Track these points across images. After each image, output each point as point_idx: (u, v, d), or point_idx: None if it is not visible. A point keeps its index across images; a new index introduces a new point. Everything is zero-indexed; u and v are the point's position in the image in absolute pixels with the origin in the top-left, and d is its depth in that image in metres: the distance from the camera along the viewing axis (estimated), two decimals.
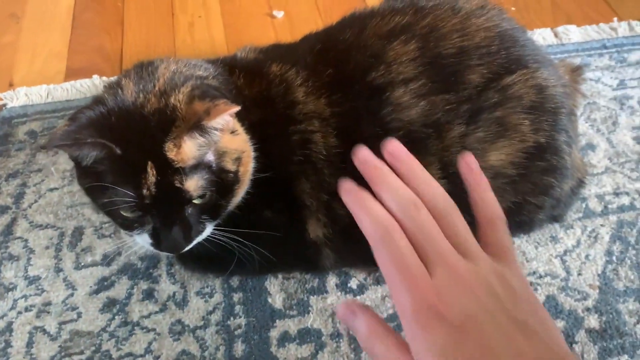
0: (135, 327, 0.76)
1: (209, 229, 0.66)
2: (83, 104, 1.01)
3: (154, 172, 0.57)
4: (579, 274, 0.80)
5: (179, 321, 0.77)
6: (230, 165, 0.62)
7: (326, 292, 0.79)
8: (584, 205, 0.88)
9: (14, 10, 1.26)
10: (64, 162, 0.95)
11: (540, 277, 0.80)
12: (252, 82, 0.70)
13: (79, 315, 0.77)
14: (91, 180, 0.60)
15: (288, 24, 1.23)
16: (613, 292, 0.78)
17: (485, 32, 0.69)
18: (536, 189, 0.71)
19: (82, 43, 1.20)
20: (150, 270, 0.82)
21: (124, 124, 0.59)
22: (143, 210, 0.60)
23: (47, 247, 0.84)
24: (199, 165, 0.59)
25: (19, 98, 1.07)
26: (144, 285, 0.80)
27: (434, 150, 0.67)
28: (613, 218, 0.86)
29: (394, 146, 0.50)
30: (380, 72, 0.68)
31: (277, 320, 0.76)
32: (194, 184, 0.59)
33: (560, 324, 0.75)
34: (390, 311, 0.77)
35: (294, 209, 0.71)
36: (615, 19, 1.19)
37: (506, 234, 0.49)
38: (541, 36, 1.15)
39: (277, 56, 0.72)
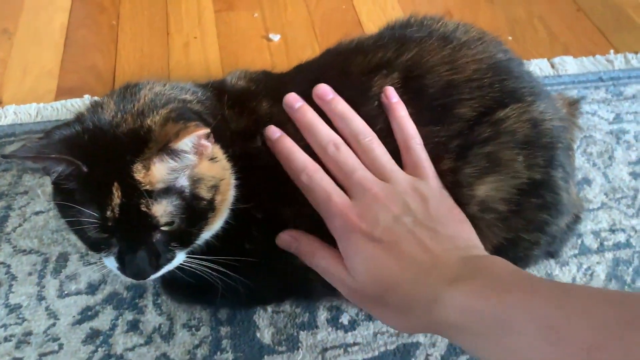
0: None
1: (180, 258, 0.63)
2: None
3: (119, 194, 0.55)
4: None
5: (164, 355, 0.74)
6: (205, 193, 0.60)
7: (316, 327, 0.77)
8: (579, 242, 0.86)
9: (6, 26, 1.25)
10: (50, 184, 0.93)
11: None
12: (240, 114, 0.68)
13: (61, 346, 0.75)
14: (59, 197, 0.59)
15: (284, 47, 1.22)
16: None
17: (477, 64, 0.68)
18: (530, 225, 0.69)
19: (75, 62, 1.18)
20: (136, 300, 0.79)
21: (96, 142, 0.58)
22: (107, 232, 0.58)
23: (30, 274, 0.82)
24: (170, 190, 0.57)
25: (7, 116, 1.04)
26: (129, 315, 0.78)
27: None
28: (609, 255, 0.85)
29: (320, 89, 0.65)
30: (369, 107, 0.67)
31: (265, 357, 0.74)
32: (161, 209, 0.57)
33: None
34: (382, 349, 0.75)
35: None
36: (611, 51, 1.19)
37: (422, 153, 0.62)
38: (538, 67, 1.14)
39: (268, 91, 0.70)
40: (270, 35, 1.24)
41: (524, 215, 0.68)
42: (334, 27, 1.27)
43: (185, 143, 0.56)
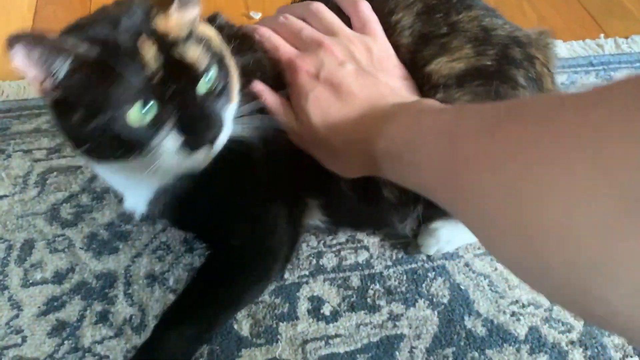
0: (87, 354, 0.69)
1: (229, 126, 0.59)
2: (41, 103, 0.96)
3: (151, 44, 0.52)
4: None
5: (135, 347, 0.70)
6: (218, 50, 0.59)
7: (297, 318, 0.74)
8: None
9: None
10: (16, 166, 0.88)
11: (523, 306, 0.76)
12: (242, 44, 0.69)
13: (24, 339, 0.70)
14: (83, 101, 0.52)
15: None
16: None
17: None
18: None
19: None
20: (106, 290, 0.75)
21: (103, 28, 0.54)
22: (156, 96, 0.52)
23: None
24: (192, 36, 0.56)
25: None
26: (98, 306, 0.73)
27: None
28: None
29: None
30: None
31: (242, 350, 0.70)
32: (195, 54, 0.55)
33: (543, 358, 0.71)
34: (365, 341, 0.72)
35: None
36: (602, 35, 1.16)
37: (371, 14, 0.69)
38: None
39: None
40: (251, 13, 1.19)
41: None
42: None
43: None
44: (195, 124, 0.54)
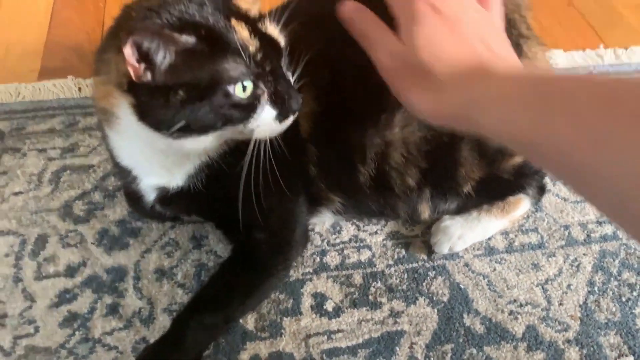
0: (97, 345, 0.72)
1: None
2: (55, 104, 0.99)
3: (243, 25, 0.57)
4: (560, 304, 0.78)
5: (144, 339, 0.73)
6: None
7: (300, 313, 0.76)
8: (566, 233, 0.86)
9: None
10: (31, 165, 0.91)
11: (521, 305, 0.78)
12: None
13: (37, 329, 0.73)
14: (183, 83, 0.56)
15: None
16: (594, 324, 0.76)
17: None
18: None
19: (59, 42, 1.15)
20: (116, 284, 0.77)
21: (186, 14, 0.57)
22: (259, 67, 0.58)
23: (6, 255, 0.80)
24: (262, 14, 0.62)
25: None
26: (108, 299, 0.76)
27: None
28: (595, 247, 0.85)
29: None
30: None
31: (247, 343, 0.73)
32: (275, 31, 0.61)
33: (540, 355, 0.73)
34: (366, 336, 0.74)
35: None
36: (601, 45, 1.19)
37: None
38: None
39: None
40: None
41: None
42: None
43: None
44: (284, 96, 0.61)
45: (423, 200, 0.80)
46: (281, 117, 0.61)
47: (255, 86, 0.58)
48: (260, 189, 0.70)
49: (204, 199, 0.72)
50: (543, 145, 0.43)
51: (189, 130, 0.58)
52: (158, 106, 0.57)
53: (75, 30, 1.19)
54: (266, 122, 0.61)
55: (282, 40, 0.61)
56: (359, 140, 0.75)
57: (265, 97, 0.60)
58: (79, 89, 1.05)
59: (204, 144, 0.64)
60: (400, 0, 0.56)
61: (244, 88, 0.57)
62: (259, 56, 0.57)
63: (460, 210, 0.84)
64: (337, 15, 0.59)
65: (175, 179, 0.70)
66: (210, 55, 0.55)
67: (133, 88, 0.57)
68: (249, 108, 0.59)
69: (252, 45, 0.57)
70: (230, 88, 0.56)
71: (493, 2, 0.59)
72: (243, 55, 0.56)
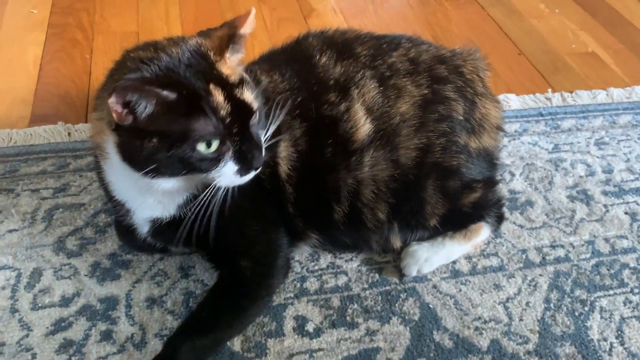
0: None
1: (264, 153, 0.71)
2: (46, 148, 1.05)
3: (219, 92, 0.64)
4: (520, 320, 0.86)
5: None
6: (256, 89, 0.71)
7: (283, 334, 0.82)
8: (524, 257, 0.95)
9: None
10: (25, 204, 0.96)
11: (485, 322, 0.85)
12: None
13: (34, 356, 0.77)
14: (159, 132, 0.63)
15: None
16: (551, 337, 0.84)
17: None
18: (437, 132, 0.84)
19: (48, 91, 1.22)
20: (109, 312, 0.82)
21: (175, 70, 0.65)
22: (225, 130, 0.65)
23: (3, 288, 0.84)
24: (243, 79, 0.69)
25: None
26: (102, 326, 0.81)
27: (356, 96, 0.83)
28: (550, 268, 0.93)
29: None
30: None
31: None
32: (249, 95, 0.68)
33: None
34: (345, 354, 0.80)
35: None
36: (549, 90, 1.31)
37: None
38: None
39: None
40: None
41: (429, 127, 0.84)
42: (283, 23, 1.35)
43: (249, 24, 0.69)
44: (247, 155, 0.68)
45: (393, 233, 0.88)
46: (242, 172, 0.69)
47: (222, 144, 0.66)
48: (243, 220, 0.78)
49: (192, 228, 0.77)
50: None
51: (159, 172, 0.66)
52: (134, 148, 0.65)
53: (63, 79, 1.26)
54: (227, 175, 0.69)
55: (255, 105, 0.68)
56: (333, 182, 0.83)
57: (229, 154, 0.67)
58: (69, 133, 1.11)
59: (177, 185, 0.72)
60: None
61: (210, 144, 0.65)
62: (228, 119, 0.65)
63: (428, 238, 0.92)
64: None
65: (168, 209, 0.77)
66: (186, 112, 0.63)
67: (117, 128, 0.65)
68: (213, 161, 0.67)
69: (224, 109, 0.65)
70: (198, 144, 0.64)
71: None
72: (214, 117, 0.64)
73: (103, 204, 0.96)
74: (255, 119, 0.69)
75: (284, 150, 0.80)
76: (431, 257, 0.89)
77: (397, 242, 0.90)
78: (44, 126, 1.12)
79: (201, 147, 0.64)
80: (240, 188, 0.71)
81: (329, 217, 0.84)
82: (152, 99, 0.61)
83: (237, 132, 0.66)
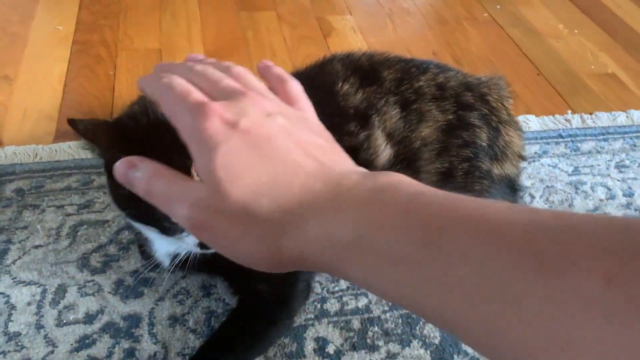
0: None
1: None
2: (71, 164, 1.07)
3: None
4: None
5: None
6: None
7: (304, 356, 0.82)
8: None
9: (7, 73, 1.31)
10: (50, 220, 0.97)
11: None
12: None
13: None
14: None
15: None
16: None
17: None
18: (459, 157, 0.85)
19: (73, 107, 1.24)
20: (132, 330, 0.83)
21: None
22: None
23: (29, 304, 0.85)
24: None
25: (7, 156, 1.09)
26: (125, 344, 0.81)
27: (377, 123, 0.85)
28: None
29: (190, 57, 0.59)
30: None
31: None
32: None
33: None
34: None
35: None
36: (569, 111, 1.31)
37: (301, 92, 0.52)
38: None
39: None
40: None
41: (452, 152, 0.85)
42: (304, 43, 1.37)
43: None
44: None
45: None
46: (202, 246, 0.71)
47: None
48: None
49: (211, 257, 0.78)
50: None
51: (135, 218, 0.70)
52: (115, 188, 0.69)
53: (87, 96, 1.29)
54: (189, 244, 0.71)
55: None
56: None
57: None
58: (93, 150, 1.12)
59: None
60: (194, 124, 0.41)
61: None
62: None
63: None
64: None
65: (186, 244, 0.76)
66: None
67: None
68: (174, 228, 0.68)
69: None
70: None
71: (297, 96, 0.51)
72: None
73: (126, 222, 0.97)
74: None
75: None
76: None
77: None
78: (69, 142, 1.14)
79: None
80: None
81: None
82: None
83: None
